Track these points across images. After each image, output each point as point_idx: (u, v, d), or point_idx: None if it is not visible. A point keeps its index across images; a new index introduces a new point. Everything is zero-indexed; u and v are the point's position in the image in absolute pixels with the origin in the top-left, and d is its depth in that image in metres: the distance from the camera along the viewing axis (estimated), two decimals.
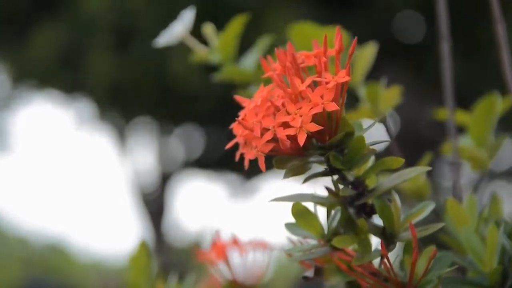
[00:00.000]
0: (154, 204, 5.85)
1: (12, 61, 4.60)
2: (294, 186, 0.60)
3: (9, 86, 5.13)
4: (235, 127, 0.56)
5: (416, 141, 3.50)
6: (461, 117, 0.87)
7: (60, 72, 4.31)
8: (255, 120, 0.54)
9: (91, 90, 4.53)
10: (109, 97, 4.48)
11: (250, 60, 0.86)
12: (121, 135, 5.56)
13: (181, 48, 0.88)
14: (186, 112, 4.63)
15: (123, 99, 4.48)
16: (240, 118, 0.55)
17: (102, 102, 4.71)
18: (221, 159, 5.08)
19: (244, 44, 0.90)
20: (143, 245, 0.86)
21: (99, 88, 4.34)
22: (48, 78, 4.47)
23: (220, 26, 0.87)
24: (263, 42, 0.86)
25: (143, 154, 5.84)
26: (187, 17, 0.84)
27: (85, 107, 5.02)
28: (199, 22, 0.87)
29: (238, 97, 0.59)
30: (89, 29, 4.03)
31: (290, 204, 0.60)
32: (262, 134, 0.54)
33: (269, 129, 0.54)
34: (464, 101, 0.87)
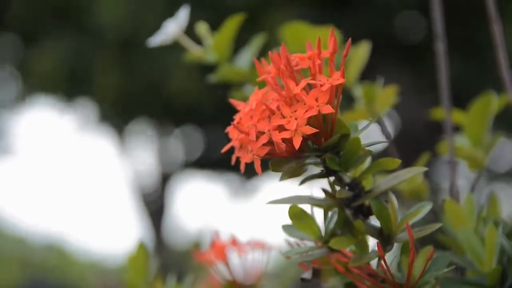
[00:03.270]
0: (154, 205, 5.85)
1: (19, 69, 4.61)
2: (293, 186, 0.60)
3: (14, 91, 5.14)
4: (230, 130, 0.56)
5: (416, 141, 3.50)
6: (458, 116, 0.87)
7: (65, 82, 4.32)
8: (250, 123, 0.54)
9: (95, 98, 4.55)
10: (112, 103, 4.50)
11: (244, 60, 0.86)
12: (121, 136, 5.56)
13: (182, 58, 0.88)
14: (186, 114, 4.64)
15: (126, 106, 4.49)
16: (235, 121, 0.55)
17: (104, 107, 4.73)
18: (221, 159, 5.08)
19: (241, 44, 0.90)
20: (142, 246, 0.86)
21: (103, 97, 4.36)
22: (53, 88, 4.48)
23: (219, 26, 0.87)
24: (257, 42, 0.86)
25: (143, 154, 5.84)
26: (182, 16, 0.84)
27: (86, 109, 5.03)
28: (198, 21, 0.87)
29: (233, 101, 0.58)
30: (97, 42, 4.04)
31: (288, 205, 0.60)
32: (257, 138, 0.54)
33: (264, 133, 0.53)
34: (465, 102, 0.87)
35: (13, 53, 4.58)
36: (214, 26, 0.88)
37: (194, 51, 0.87)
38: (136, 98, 4.33)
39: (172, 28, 0.84)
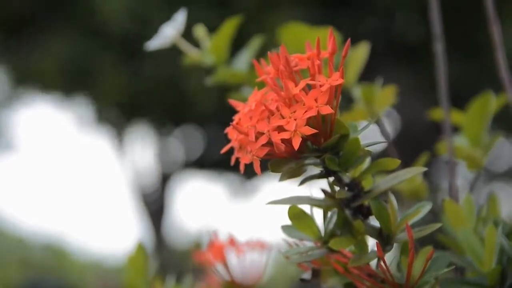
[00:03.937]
0: (154, 205, 5.85)
1: (16, 66, 4.59)
2: (293, 186, 0.60)
3: (10, 88, 5.13)
4: (229, 131, 0.56)
5: (416, 141, 3.50)
6: (457, 117, 0.87)
7: (65, 81, 4.30)
8: (250, 124, 0.54)
9: (95, 97, 4.54)
10: (111, 103, 4.49)
11: (242, 62, 0.86)
12: (121, 136, 5.56)
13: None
14: (186, 114, 4.63)
15: (126, 105, 4.49)
16: (234, 122, 0.55)
17: (104, 106, 4.73)
18: (221, 159, 5.08)
19: (241, 44, 0.90)
20: (141, 246, 0.86)
21: (103, 96, 4.35)
22: (52, 86, 4.47)
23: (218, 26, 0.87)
24: (255, 43, 0.86)
25: (143, 154, 5.84)
26: (179, 19, 0.84)
27: (85, 108, 5.02)
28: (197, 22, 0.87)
29: (232, 101, 0.58)
30: (99, 39, 4.02)
31: (288, 205, 0.60)
32: (256, 138, 0.53)
33: (263, 133, 0.53)
34: (464, 102, 0.87)
35: (9, 49, 4.55)
36: (213, 27, 0.88)
37: (192, 54, 0.86)
38: (137, 98, 4.32)
39: (170, 31, 0.84)
